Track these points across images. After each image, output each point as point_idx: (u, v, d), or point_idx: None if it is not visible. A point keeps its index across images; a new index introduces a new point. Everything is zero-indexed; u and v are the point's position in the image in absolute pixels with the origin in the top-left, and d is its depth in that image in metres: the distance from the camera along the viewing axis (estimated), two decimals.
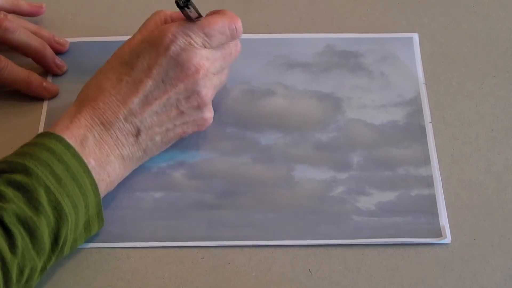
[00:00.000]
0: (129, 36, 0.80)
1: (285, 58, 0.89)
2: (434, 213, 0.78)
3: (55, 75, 0.89)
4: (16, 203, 0.68)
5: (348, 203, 0.79)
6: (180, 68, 0.77)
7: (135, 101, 0.76)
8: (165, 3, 0.95)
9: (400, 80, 0.87)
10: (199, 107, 0.79)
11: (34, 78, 0.86)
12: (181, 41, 0.77)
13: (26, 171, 0.70)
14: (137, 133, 0.77)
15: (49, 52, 0.88)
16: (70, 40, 0.91)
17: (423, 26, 0.92)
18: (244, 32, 0.91)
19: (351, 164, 0.81)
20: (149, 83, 0.77)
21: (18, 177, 0.70)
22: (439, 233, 0.76)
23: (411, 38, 0.91)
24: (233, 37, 0.80)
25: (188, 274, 0.75)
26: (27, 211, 0.68)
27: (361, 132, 0.83)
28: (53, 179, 0.70)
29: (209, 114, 0.80)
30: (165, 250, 0.76)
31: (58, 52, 0.90)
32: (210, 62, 0.79)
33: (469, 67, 0.88)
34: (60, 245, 0.71)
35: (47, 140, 0.73)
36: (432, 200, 0.78)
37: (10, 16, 0.87)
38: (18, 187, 0.69)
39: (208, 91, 0.79)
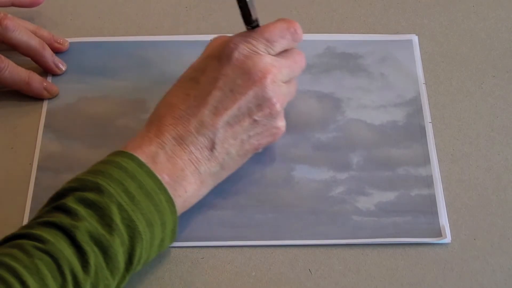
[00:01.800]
0: (129, 36, 0.80)
1: None
2: (434, 213, 0.78)
3: (55, 75, 0.89)
4: (88, 221, 0.67)
5: (348, 203, 0.79)
6: (247, 76, 0.75)
7: (206, 112, 0.74)
8: (165, 3, 0.95)
9: (400, 80, 0.87)
10: (271, 115, 0.76)
11: (34, 78, 0.86)
12: (243, 49, 0.76)
13: (98, 189, 0.68)
14: (212, 146, 0.74)
15: (48, 51, 0.88)
16: (70, 40, 0.91)
17: (423, 26, 0.92)
18: None
19: (351, 164, 0.81)
20: (217, 94, 0.75)
21: (90, 195, 0.68)
22: (439, 233, 0.76)
23: (410, 40, 0.91)
24: (294, 40, 0.78)
25: (188, 274, 0.75)
26: (100, 229, 0.67)
27: (361, 132, 0.83)
28: (126, 196, 0.69)
29: (281, 122, 0.78)
30: (165, 250, 0.76)
31: (57, 52, 0.90)
32: (277, 68, 0.76)
33: (469, 67, 0.88)
34: (134, 264, 0.69)
35: (119, 158, 0.71)
36: (432, 200, 0.78)
37: (10, 15, 0.87)
38: (90, 205, 0.68)
39: (278, 98, 0.76)
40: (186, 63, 0.89)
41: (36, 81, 0.86)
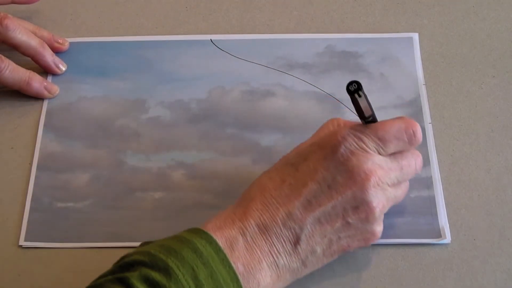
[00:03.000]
0: (129, 36, 0.80)
1: (284, 59, 0.89)
2: (434, 214, 0.78)
3: (55, 75, 0.89)
4: None
5: None
6: (349, 174, 0.69)
7: (297, 204, 0.69)
8: (165, 3, 0.95)
9: (400, 81, 0.87)
10: (368, 220, 0.70)
11: (35, 78, 0.87)
12: (351, 144, 0.70)
13: (166, 271, 0.64)
14: (296, 241, 0.69)
15: (48, 51, 0.88)
16: (70, 40, 0.91)
17: (423, 26, 0.92)
18: (244, 32, 0.92)
19: None
20: (313, 187, 0.69)
21: (157, 276, 0.64)
22: (438, 234, 0.76)
23: (411, 38, 0.90)
24: (411, 143, 0.72)
25: None
26: None
27: None
28: (193, 284, 0.64)
29: (378, 227, 0.71)
30: None
31: (58, 51, 0.90)
32: (384, 171, 0.70)
33: (469, 67, 0.88)
34: None
35: (197, 238, 0.67)
36: (431, 201, 0.78)
37: (10, 15, 0.87)
38: (155, 286, 0.63)
39: (379, 202, 0.70)
40: (186, 63, 0.89)
41: (36, 81, 0.87)
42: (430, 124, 0.83)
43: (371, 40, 0.91)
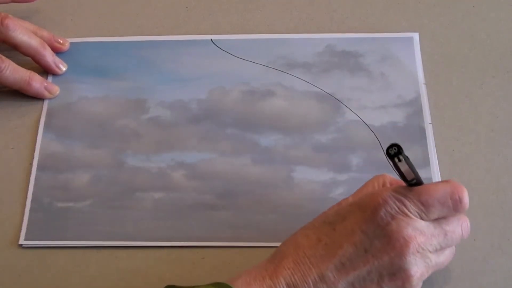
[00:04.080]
0: (129, 36, 0.80)
1: (285, 59, 0.89)
2: None
3: (55, 75, 0.89)
4: None
5: None
6: (387, 239, 0.66)
7: (330, 266, 0.66)
8: (165, 3, 0.95)
9: (400, 80, 0.87)
10: (404, 287, 0.67)
11: (35, 78, 0.87)
12: (392, 208, 0.67)
13: None
14: None
15: (49, 51, 0.88)
16: (70, 40, 0.91)
17: (423, 26, 0.92)
18: (244, 32, 0.92)
19: (351, 165, 0.81)
20: (349, 250, 0.66)
21: None
22: None
23: (411, 38, 0.90)
24: (456, 209, 0.68)
25: (188, 274, 0.75)
26: None
27: (360, 133, 0.83)
28: None
29: None
30: (165, 250, 0.76)
31: (58, 51, 0.90)
32: (426, 237, 0.67)
33: (469, 67, 0.88)
34: None
35: None
36: None
37: (10, 15, 0.87)
38: None
39: (418, 270, 0.66)
40: (186, 63, 0.89)
41: (36, 81, 0.87)
42: (430, 125, 0.83)
43: (371, 40, 0.91)
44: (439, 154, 0.81)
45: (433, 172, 0.80)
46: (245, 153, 0.83)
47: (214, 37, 0.91)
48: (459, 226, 0.70)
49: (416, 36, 0.90)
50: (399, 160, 0.65)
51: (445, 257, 0.70)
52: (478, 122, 0.84)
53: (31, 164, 0.83)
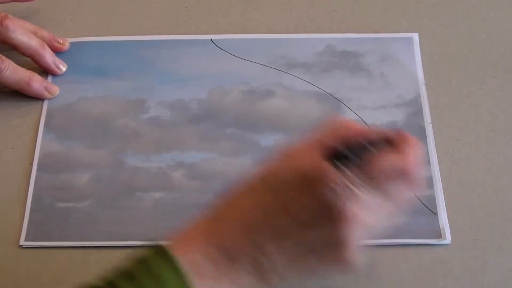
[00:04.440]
0: (129, 36, 0.80)
1: (285, 59, 0.89)
2: (434, 214, 0.78)
3: (55, 75, 0.89)
4: None
5: None
6: (326, 212, 0.63)
7: (267, 236, 0.64)
8: (165, 3, 0.95)
9: (400, 80, 0.87)
10: (337, 261, 0.65)
11: (35, 78, 0.87)
12: (333, 179, 0.63)
13: None
14: (260, 269, 0.64)
15: (48, 52, 0.88)
16: (70, 40, 0.91)
17: (423, 26, 0.92)
18: (244, 32, 0.92)
19: None
20: (287, 220, 0.64)
21: None
22: (439, 234, 0.76)
23: (411, 38, 0.90)
24: (407, 183, 0.65)
25: None
26: None
27: None
28: None
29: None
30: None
31: (58, 52, 0.90)
32: (368, 210, 0.64)
33: (469, 67, 0.88)
34: None
35: (162, 265, 0.63)
36: (432, 201, 0.78)
37: (10, 15, 0.87)
38: None
39: (356, 240, 0.64)
40: (186, 63, 0.89)
41: (36, 81, 0.87)
42: (430, 124, 0.83)
43: (371, 40, 0.91)
44: (439, 154, 0.81)
45: (433, 172, 0.80)
46: (245, 153, 0.83)
47: (214, 37, 0.91)
48: (404, 189, 0.66)
49: (416, 36, 0.91)
50: (347, 167, 0.63)
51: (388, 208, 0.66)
52: (478, 122, 0.84)
53: (31, 164, 0.83)
